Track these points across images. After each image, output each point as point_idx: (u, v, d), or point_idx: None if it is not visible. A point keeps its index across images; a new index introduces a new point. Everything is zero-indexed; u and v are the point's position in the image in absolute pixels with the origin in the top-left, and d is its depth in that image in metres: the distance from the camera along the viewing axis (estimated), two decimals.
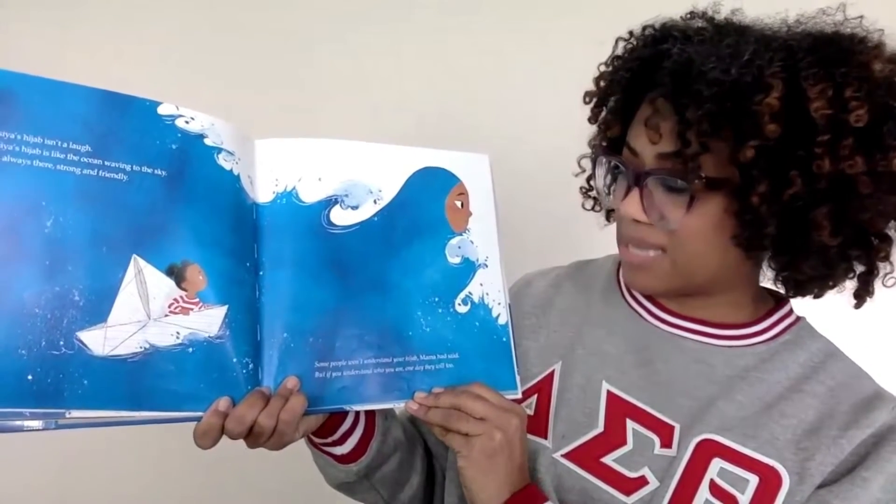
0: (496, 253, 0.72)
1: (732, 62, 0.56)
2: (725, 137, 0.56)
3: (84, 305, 0.53)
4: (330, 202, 0.65)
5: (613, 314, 0.75)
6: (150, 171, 0.56)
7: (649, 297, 0.73)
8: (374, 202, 0.67)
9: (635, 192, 0.63)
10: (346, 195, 0.66)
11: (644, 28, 0.68)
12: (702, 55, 0.58)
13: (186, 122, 0.59)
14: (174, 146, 0.58)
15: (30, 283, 0.51)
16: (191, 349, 0.56)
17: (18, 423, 0.50)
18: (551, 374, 0.74)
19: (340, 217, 0.65)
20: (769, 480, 0.61)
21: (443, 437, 0.63)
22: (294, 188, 0.64)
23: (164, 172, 0.57)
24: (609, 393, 0.69)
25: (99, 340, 0.53)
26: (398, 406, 0.65)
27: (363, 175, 0.67)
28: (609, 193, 0.71)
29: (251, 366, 0.59)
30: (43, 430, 0.51)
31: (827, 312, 0.72)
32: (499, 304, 0.71)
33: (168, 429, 0.58)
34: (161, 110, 0.58)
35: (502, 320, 0.70)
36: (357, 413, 0.70)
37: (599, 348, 0.73)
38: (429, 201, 0.70)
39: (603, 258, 0.84)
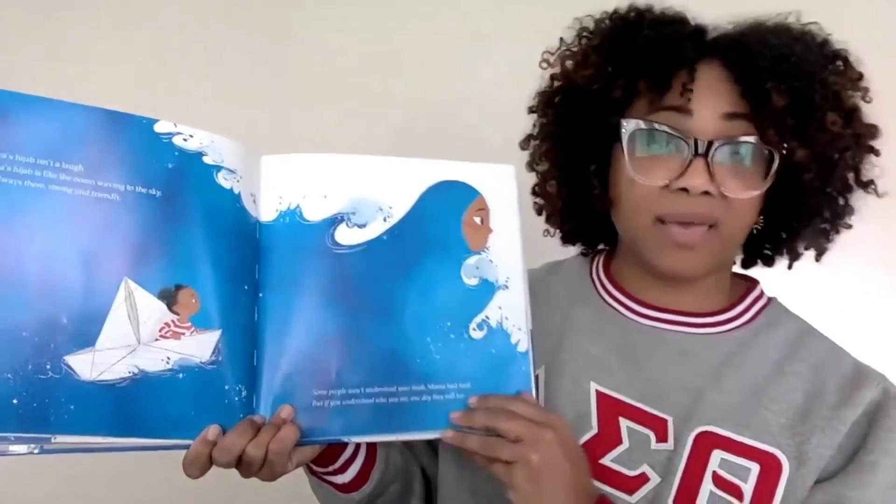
0: (519, 273, 0.66)
1: (791, 40, 0.61)
2: (797, 107, 0.59)
3: (72, 329, 0.52)
4: (335, 220, 0.62)
5: (592, 314, 0.73)
6: (144, 191, 0.55)
7: (626, 293, 0.72)
8: (384, 220, 0.63)
9: (700, 162, 0.60)
10: (353, 213, 0.63)
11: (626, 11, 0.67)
12: (755, 31, 0.63)
13: (184, 140, 0.57)
14: (170, 165, 0.56)
15: (17, 305, 0.51)
16: (181, 375, 0.55)
17: (3, 447, 0.50)
18: (535, 382, 0.68)
19: (346, 236, 0.62)
20: (770, 467, 0.61)
21: (487, 468, 0.58)
22: (298, 206, 0.62)
23: (159, 192, 0.56)
24: (598, 393, 0.67)
25: (87, 365, 0.52)
26: (401, 439, 0.62)
27: (372, 191, 0.64)
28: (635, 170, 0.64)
29: (244, 393, 0.57)
30: (27, 454, 0.51)
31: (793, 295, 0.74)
32: (519, 329, 0.65)
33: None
34: (158, 128, 0.57)
35: (522, 347, 0.65)
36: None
37: (582, 350, 0.70)
38: (444, 218, 0.65)
39: (571, 258, 0.81)
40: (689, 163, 0.61)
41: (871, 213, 0.68)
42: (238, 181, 0.59)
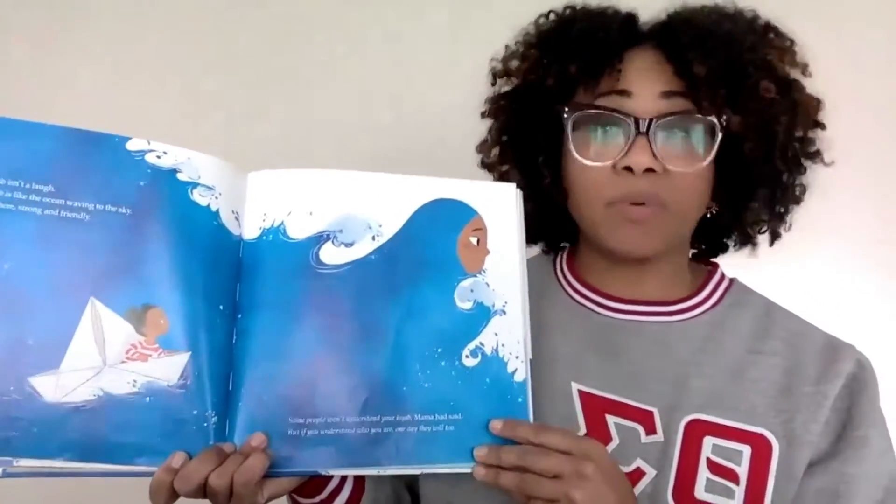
0: (518, 298, 0.61)
1: (719, 17, 0.64)
2: (729, 80, 0.60)
3: (38, 350, 0.51)
4: (321, 238, 0.59)
5: (562, 314, 0.71)
6: (113, 209, 0.54)
7: (592, 288, 0.71)
8: (373, 238, 0.60)
9: (642, 141, 0.61)
10: (340, 231, 0.59)
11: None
12: (683, 13, 0.66)
13: (158, 157, 0.56)
14: (142, 182, 0.55)
15: None
16: (148, 398, 0.53)
17: None
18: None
19: (332, 255, 0.59)
20: (760, 448, 0.62)
21: None
22: (282, 223, 0.59)
23: (128, 210, 0.54)
24: (581, 392, 0.66)
25: (51, 387, 0.51)
26: (384, 474, 0.57)
27: (361, 208, 0.60)
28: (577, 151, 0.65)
29: (215, 419, 0.54)
30: None
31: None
32: (516, 357, 0.60)
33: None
34: (130, 146, 0.55)
35: (519, 377, 0.60)
36: None
37: (558, 352, 0.68)
38: (438, 237, 0.61)
39: (532, 258, 0.77)
40: (632, 142, 0.61)
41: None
42: (216, 198, 0.57)
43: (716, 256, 0.76)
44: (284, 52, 1.24)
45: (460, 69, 1.00)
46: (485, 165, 0.75)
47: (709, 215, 0.68)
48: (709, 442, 0.62)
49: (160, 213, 0.55)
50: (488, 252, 0.61)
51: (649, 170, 0.61)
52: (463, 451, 0.58)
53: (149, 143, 0.56)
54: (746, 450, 0.62)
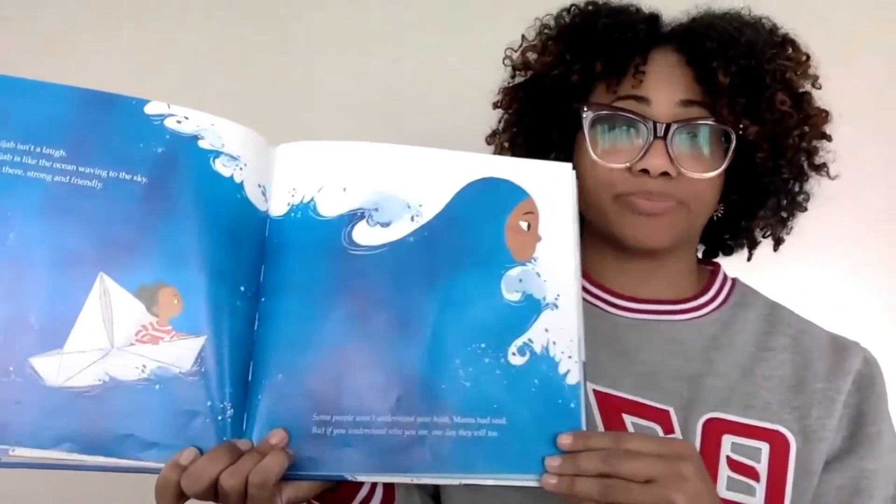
0: (573, 291, 0.54)
1: (741, 24, 0.64)
2: (747, 86, 0.61)
3: (40, 329, 0.47)
4: (354, 217, 0.53)
5: None
6: (128, 177, 0.49)
7: (602, 287, 0.70)
8: (412, 219, 0.54)
9: (659, 144, 0.61)
10: (376, 209, 0.54)
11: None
12: (706, 18, 0.67)
13: (178, 122, 0.51)
14: (160, 149, 0.50)
15: None
16: (157, 386, 0.48)
17: None
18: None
19: (366, 235, 0.53)
20: (778, 445, 0.62)
21: None
22: (312, 199, 0.53)
23: (144, 179, 0.50)
24: (597, 393, 0.64)
25: (53, 369, 0.46)
26: (417, 482, 0.51)
27: (399, 185, 0.54)
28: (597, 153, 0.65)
29: (231, 412, 0.49)
30: None
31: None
32: (569, 357, 0.53)
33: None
34: (148, 109, 0.51)
35: (572, 379, 0.53)
36: None
37: None
38: (484, 220, 0.55)
39: None
40: (649, 145, 0.61)
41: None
42: (241, 169, 0.52)
43: (716, 258, 0.78)
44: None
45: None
46: None
47: (714, 218, 0.69)
48: (728, 440, 0.62)
49: (178, 182, 0.50)
50: (540, 238, 0.55)
51: (664, 173, 0.61)
52: (506, 460, 0.51)
53: (168, 107, 0.51)
54: (765, 447, 0.62)
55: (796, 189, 0.69)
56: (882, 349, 0.70)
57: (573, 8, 0.69)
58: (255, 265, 0.52)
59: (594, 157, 0.64)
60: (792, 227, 0.73)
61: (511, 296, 0.54)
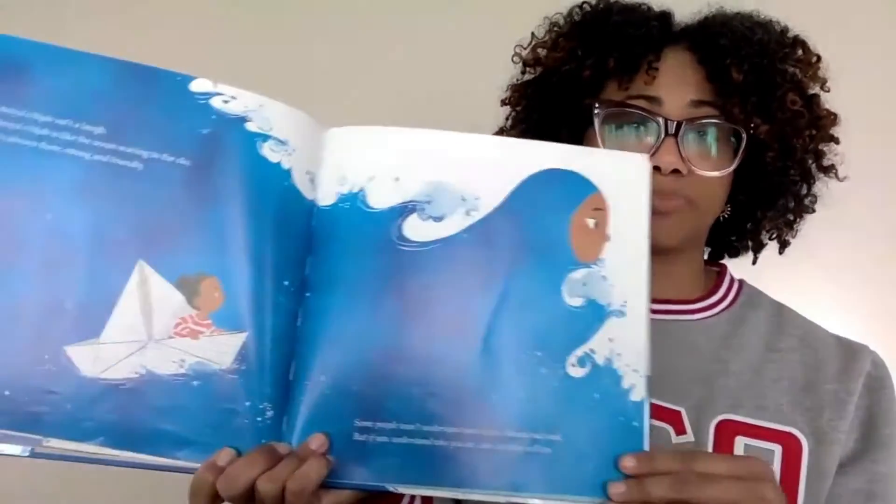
0: (642, 298, 0.50)
1: (753, 24, 0.65)
2: (760, 89, 0.62)
3: (76, 316, 0.45)
4: (405, 210, 0.50)
5: None
6: (171, 159, 0.47)
7: None
8: (467, 213, 0.50)
9: (670, 142, 0.61)
10: (429, 202, 0.50)
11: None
12: (718, 18, 0.67)
13: (225, 102, 0.48)
14: (205, 130, 0.47)
15: (18, 284, 0.44)
16: (195, 382, 0.45)
17: None
18: None
19: (417, 230, 0.49)
20: (791, 446, 0.62)
21: None
22: (362, 190, 0.50)
23: (188, 162, 0.47)
24: None
25: (89, 359, 0.44)
26: (465, 497, 0.48)
27: (455, 176, 0.50)
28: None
29: (271, 412, 0.46)
30: (17, 456, 0.44)
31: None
32: (635, 371, 0.49)
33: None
34: (194, 87, 0.48)
35: (636, 395, 0.48)
36: None
37: None
38: (546, 216, 0.50)
39: None
40: (661, 143, 0.61)
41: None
42: (290, 155, 0.49)
43: (721, 259, 0.78)
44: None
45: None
46: None
47: (721, 219, 0.70)
48: (740, 442, 0.62)
49: (224, 167, 0.47)
50: (608, 238, 0.50)
51: (675, 171, 0.61)
52: (560, 480, 0.47)
53: (215, 85, 0.48)
54: (778, 449, 0.62)
55: (804, 191, 0.70)
56: (885, 354, 0.69)
57: (585, 5, 0.69)
58: (299, 257, 0.49)
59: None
60: (798, 231, 0.73)
61: (573, 301, 0.49)
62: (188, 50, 1.16)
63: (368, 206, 0.50)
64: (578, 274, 0.49)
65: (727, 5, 0.69)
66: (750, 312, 0.70)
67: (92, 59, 0.47)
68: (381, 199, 0.50)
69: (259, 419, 0.46)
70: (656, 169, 0.60)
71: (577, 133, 0.68)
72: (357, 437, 0.47)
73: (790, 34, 0.67)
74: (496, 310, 0.49)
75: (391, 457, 0.47)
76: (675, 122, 0.61)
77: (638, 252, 0.50)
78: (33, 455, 0.44)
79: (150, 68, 0.47)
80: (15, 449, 0.44)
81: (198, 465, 0.45)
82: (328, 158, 0.51)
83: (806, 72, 0.66)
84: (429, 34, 1.19)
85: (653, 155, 0.61)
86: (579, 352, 0.49)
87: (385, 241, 0.49)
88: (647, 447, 0.48)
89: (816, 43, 0.68)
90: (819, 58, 0.67)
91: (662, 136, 0.61)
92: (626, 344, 0.49)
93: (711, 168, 0.63)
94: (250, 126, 0.48)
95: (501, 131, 0.75)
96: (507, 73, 0.74)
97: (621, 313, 0.49)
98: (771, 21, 0.68)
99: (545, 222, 0.50)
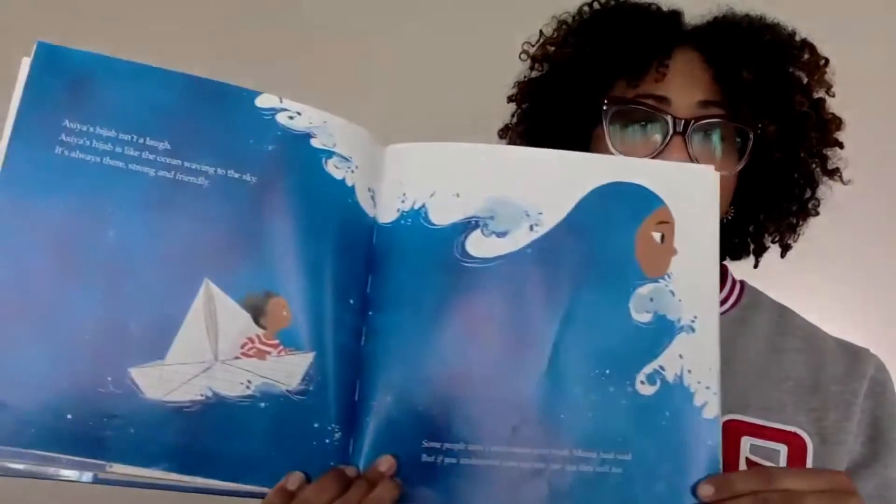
0: (712, 314, 0.49)
1: (761, 26, 0.66)
2: (769, 89, 0.62)
3: (140, 337, 0.43)
4: (468, 226, 0.49)
5: None
6: (237, 175, 0.46)
7: None
8: (530, 228, 0.49)
9: (678, 140, 0.61)
10: (491, 217, 0.49)
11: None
12: (727, 19, 0.67)
13: (290, 118, 0.47)
14: (271, 147, 0.47)
15: (82, 303, 0.43)
16: (263, 404, 0.44)
17: (54, 470, 0.43)
18: None
19: (480, 246, 0.49)
20: (796, 446, 0.62)
21: None
22: (424, 206, 0.49)
23: (254, 178, 0.46)
24: None
25: (154, 381, 0.43)
26: None
27: (517, 191, 0.50)
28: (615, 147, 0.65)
29: (338, 434, 0.45)
30: (81, 482, 0.43)
31: None
32: (707, 388, 0.48)
33: None
34: (260, 102, 0.47)
35: (709, 413, 0.47)
36: None
37: None
38: (611, 231, 0.50)
39: None
40: (668, 140, 0.61)
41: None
42: (352, 171, 0.48)
43: (723, 260, 0.76)
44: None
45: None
46: None
47: (724, 220, 0.68)
48: (746, 442, 0.62)
49: (289, 183, 0.46)
50: (675, 252, 0.49)
51: None
52: (631, 501, 0.46)
53: (280, 101, 0.47)
54: (783, 449, 0.62)
55: (808, 194, 0.70)
56: (886, 356, 0.69)
57: (595, 3, 0.70)
58: (362, 275, 0.48)
59: (613, 151, 0.64)
60: (800, 234, 0.73)
61: (641, 316, 0.48)
62: (187, 50, 1.15)
63: (430, 223, 0.49)
64: (646, 289, 0.49)
65: (736, 7, 0.69)
66: (753, 313, 0.70)
67: (157, 73, 0.46)
68: (443, 215, 0.49)
69: (327, 441, 0.45)
70: None
71: (585, 131, 0.68)
72: (425, 458, 0.46)
73: (798, 37, 0.68)
74: (562, 326, 0.48)
75: (460, 478, 0.46)
76: (684, 121, 0.61)
77: (707, 266, 0.50)
78: (96, 481, 0.43)
79: (216, 83, 0.46)
80: (77, 475, 0.43)
81: (266, 490, 0.44)
82: (387, 175, 0.50)
83: (813, 75, 0.66)
84: (429, 34, 1.17)
85: (660, 153, 0.61)
86: (648, 369, 0.48)
87: (448, 258, 0.48)
88: (720, 467, 0.47)
89: (822, 46, 0.68)
90: (827, 61, 0.68)
91: (671, 134, 0.62)
92: (696, 360, 0.48)
93: (718, 167, 0.60)
94: (315, 142, 0.47)
95: (506, 129, 0.75)
96: (511, 71, 0.73)
97: (691, 329, 0.48)
98: (779, 24, 0.68)
99: (610, 236, 0.50)
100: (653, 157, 0.62)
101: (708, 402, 0.47)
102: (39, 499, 0.94)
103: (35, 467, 0.42)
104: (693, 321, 0.49)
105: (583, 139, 0.68)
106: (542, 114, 0.71)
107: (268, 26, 1.18)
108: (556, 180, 0.50)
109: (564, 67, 0.67)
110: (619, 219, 0.50)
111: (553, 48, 0.70)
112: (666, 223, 0.50)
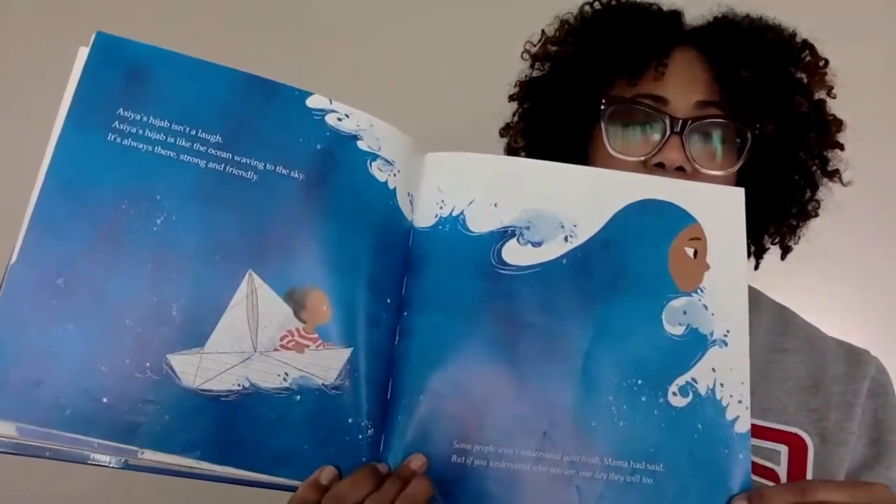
0: (743, 327, 0.50)
1: (762, 27, 0.66)
2: (769, 89, 0.62)
3: (181, 323, 0.43)
4: (504, 234, 0.50)
5: None
6: (285, 171, 0.47)
7: None
8: (565, 239, 0.50)
9: (676, 140, 0.61)
10: (528, 227, 0.50)
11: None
12: (728, 19, 0.67)
13: (339, 119, 0.48)
14: (319, 146, 0.48)
15: (125, 288, 0.43)
16: (298, 397, 0.44)
17: (85, 454, 0.42)
18: None
19: (516, 254, 0.49)
20: (797, 447, 0.62)
21: None
22: (462, 213, 0.50)
23: (301, 175, 0.47)
24: None
25: (191, 369, 0.43)
26: None
27: (553, 203, 0.51)
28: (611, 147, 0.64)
29: (371, 431, 0.45)
30: (110, 467, 0.42)
31: None
32: (739, 402, 0.48)
33: None
34: (311, 102, 0.48)
35: (742, 427, 0.47)
36: None
37: None
38: (645, 245, 0.51)
39: None
40: (666, 140, 0.61)
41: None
42: (395, 175, 0.49)
43: None
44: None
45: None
46: (510, 150, 0.74)
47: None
48: None
49: (335, 182, 0.47)
50: (707, 267, 0.50)
51: (679, 168, 0.61)
52: None
53: (331, 103, 0.49)
54: (784, 449, 0.62)
55: (808, 195, 0.69)
56: (886, 358, 0.69)
57: (596, 3, 0.70)
58: (398, 276, 0.49)
59: (611, 150, 0.63)
60: (800, 236, 0.72)
61: (674, 329, 0.49)
62: (187, 50, 1.16)
63: (468, 230, 0.50)
64: (679, 302, 0.49)
65: (737, 7, 0.69)
66: (754, 313, 0.67)
67: (212, 68, 0.47)
68: (480, 223, 0.50)
69: (360, 437, 0.44)
70: (660, 166, 0.61)
71: (584, 129, 0.68)
72: (455, 458, 0.46)
73: (799, 38, 0.68)
74: (595, 336, 0.48)
75: (489, 480, 0.46)
76: (681, 121, 0.61)
77: (737, 282, 0.50)
78: (126, 467, 0.42)
79: (269, 81, 0.48)
80: (109, 460, 0.42)
81: (297, 483, 0.43)
82: (426, 181, 0.51)
83: (814, 75, 0.66)
84: (429, 34, 1.17)
85: (657, 152, 0.61)
86: (681, 381, 0.48)
87: (484, 265, 0.49)
88: (751, 482, 0.47)
89: (822, 47, 0.68)
90: (827, 62, 0.67)
91: (668, 133, 0.61)
92: (729, 374, 0.48)
93: (716, 167, 0.62)
94: (361, 144, 0.48)
95: (508, 127, 0.75)
96: (511, 71, 0.74)
97: (724, 343, 0.49)
98: (780, 24, 0.68)
99: (644, 251, 0.50)
100: (650, 157, 0.61)
101: (740, 416, 0.47)
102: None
103: (66, 449, 0.41)
104: (726, 335, 0.49)
105: (582, 138, 0.68)
106: (542, 112, 0.71)
107: (268, 26, 1.19)
108: (592, 195, 0.51)
109: (564, 66, 0.68)
110: (652, 233, 0.51)
111: (554, 47, 0.70)
112: (698, 239, 0.51)
